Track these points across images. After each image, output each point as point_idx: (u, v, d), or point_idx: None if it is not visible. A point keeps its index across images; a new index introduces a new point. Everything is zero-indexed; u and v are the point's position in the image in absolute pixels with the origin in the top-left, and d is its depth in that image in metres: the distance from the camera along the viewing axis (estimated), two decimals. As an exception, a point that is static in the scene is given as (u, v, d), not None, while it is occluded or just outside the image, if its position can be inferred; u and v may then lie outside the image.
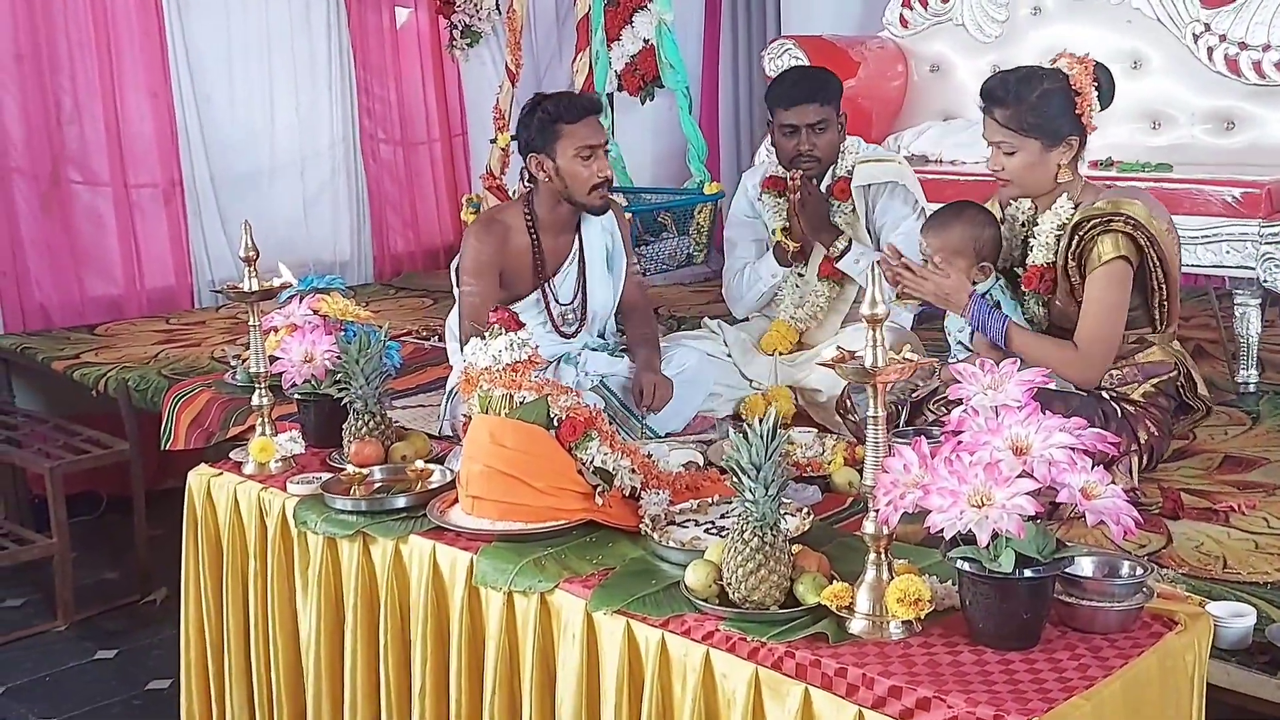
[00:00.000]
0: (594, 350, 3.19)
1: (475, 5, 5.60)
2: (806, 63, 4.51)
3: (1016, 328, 2.64)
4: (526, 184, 3.14)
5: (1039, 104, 2.61)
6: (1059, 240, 2.66)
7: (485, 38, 5.69)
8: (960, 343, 2.81)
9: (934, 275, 2.69)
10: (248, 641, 2.50)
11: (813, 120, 3.27)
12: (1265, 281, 3.46)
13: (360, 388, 2.52)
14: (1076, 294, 2.65)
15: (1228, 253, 3.50)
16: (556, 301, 3.13)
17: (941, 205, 2.89)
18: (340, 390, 2.57)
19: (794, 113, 3.28)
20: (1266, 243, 3.44)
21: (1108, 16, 4.41)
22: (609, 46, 5.44)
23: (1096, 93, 2.64)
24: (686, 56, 5.71)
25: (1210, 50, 4.17)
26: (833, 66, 4.57)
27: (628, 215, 4.90)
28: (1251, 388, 3.53)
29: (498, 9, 5.60)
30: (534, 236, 3.08)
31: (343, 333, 2.73)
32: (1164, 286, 2.64)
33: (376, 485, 2.40)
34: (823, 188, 3.37)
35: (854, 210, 3.35)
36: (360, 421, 2.53)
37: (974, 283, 2.72)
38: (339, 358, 2.58)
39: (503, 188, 4.88)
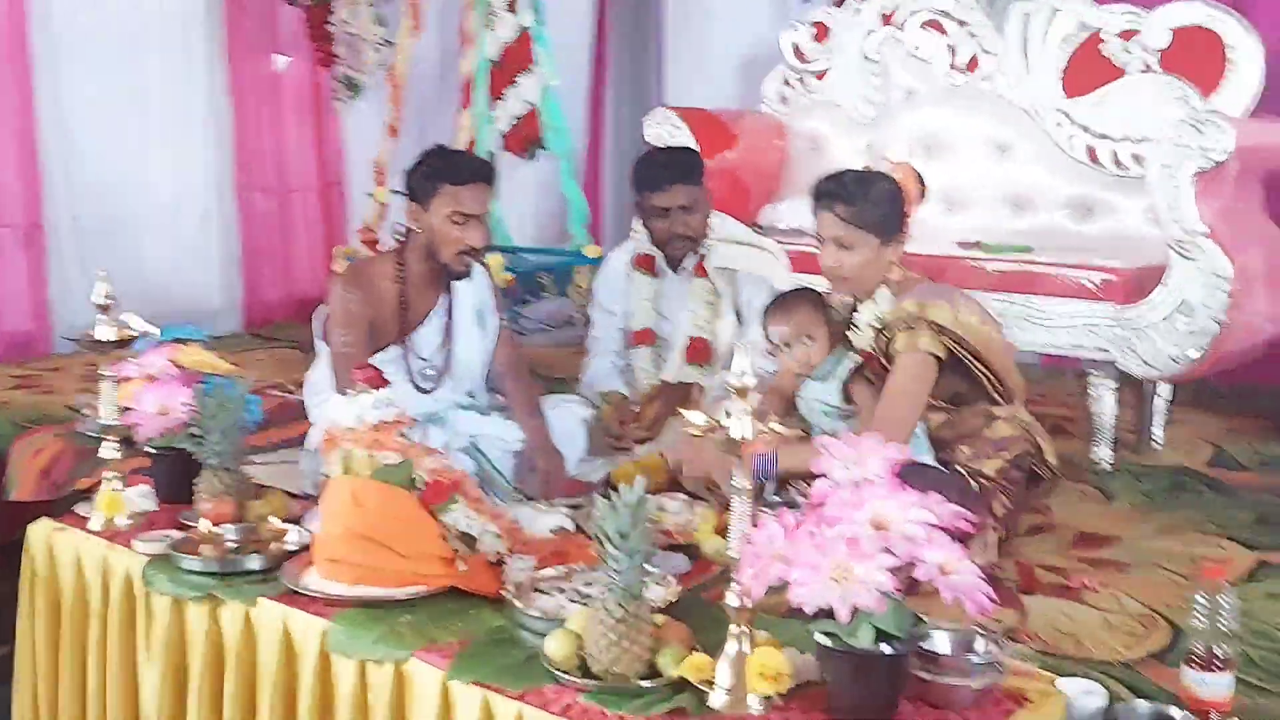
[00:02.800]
0: (464, 409, 3.15)
1: (358, 58, 5.56)
2: (687, 132, 4.57)
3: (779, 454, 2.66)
4: (400, 235, 3.10)
5: (878, 201, 2.70)
6: (873, 331, 2.73)
7: (367, 90, 5.65)
8: (824, 413, 2.83)
9: None
10: (84, 709, 2.37)
11: (683, 202, 3.31)
12: (1120, 364, 3.58)
13: (216, 443, 2.43)
14: (882, 372, 2.72)
15: (1085, 335, 3.62)
16: (417, 356, 3.08)
17: (777, 294, 2.94)
18: (195, 444, 2.48)
19: (664, 195, 3.31)
20: (1122, 327, 3.57)
21: (977, 104, 4.57)
22: (493, 105, 5.45)
23: (918, 192, 2.74)
24: (571, 120, 5.76)
25: (1072, 139, 4.34)
26: (712, 138, 4.68)
27: (507, 274, 4.89)
28: (1106, 466, 3.64)
29: (380, 63, 5.57)
30: (401, 287, 3.03)
31: (201, 385, 2.64)
32: (990, 372, 2.71)
33: (229, 545, 2.31)
34: (688, 265, 3.41)
35: (715, 290, 3.40)
36: (214, 478, 2.44)
37: (810, 362, 2.79)
38: (195, 411, 2.49)
39: (378, 242, 4.82)
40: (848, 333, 2.81)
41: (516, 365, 3.24)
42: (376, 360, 2.98)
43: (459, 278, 3.04)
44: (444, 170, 2.94)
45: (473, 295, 3.14)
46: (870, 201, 2.69)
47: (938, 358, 2.65)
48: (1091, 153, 4.29)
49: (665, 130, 4.65)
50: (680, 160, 3.40)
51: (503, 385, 3.23)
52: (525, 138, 5.55)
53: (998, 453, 2.74)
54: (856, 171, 2.81)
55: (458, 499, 2.14)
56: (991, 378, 2.72)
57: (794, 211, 4.73)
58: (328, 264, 5.66)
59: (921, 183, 2.80)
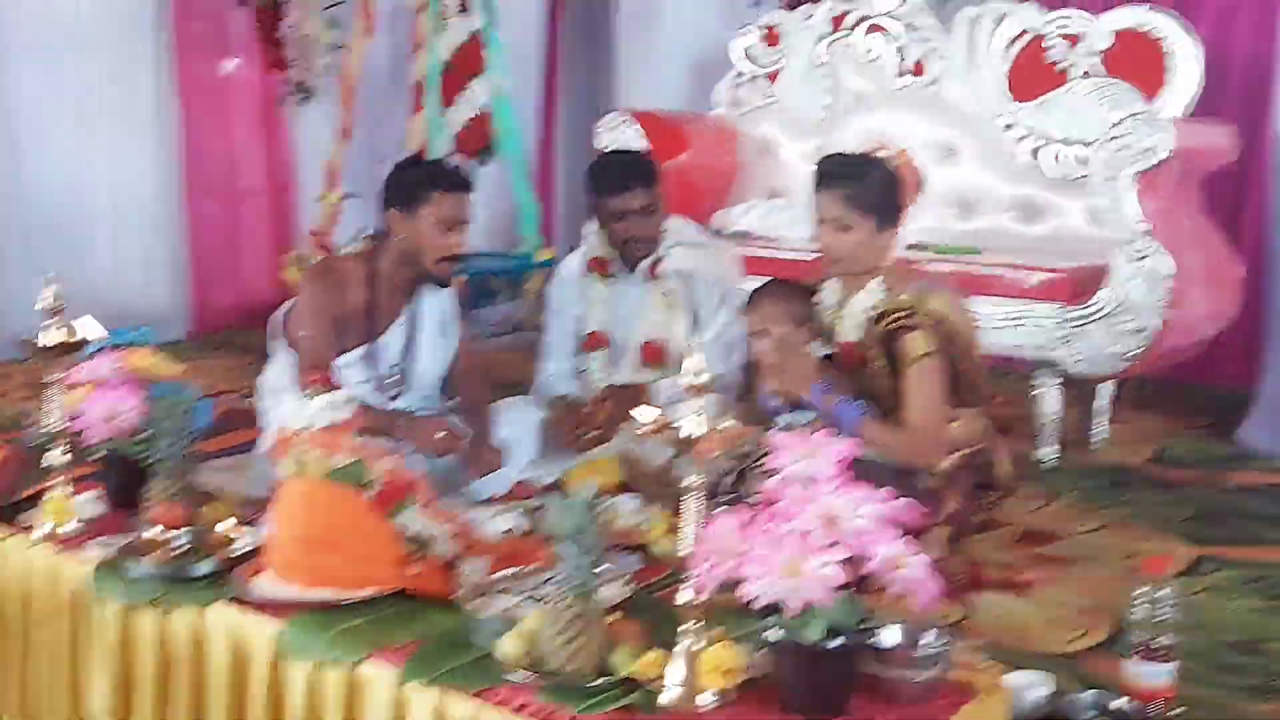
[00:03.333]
0: (422, 414, 3.14)
1: (309, 61, 5.53)
2: (640, 135, 4.59)
3: (870, 425, 2.70)
4: (368, 238, 3.10)
5: (878, 185, 2.74)
6: (867, 322, 2.75)
7: (318, 94, 5.61)
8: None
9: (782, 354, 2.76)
10: (30, 718, 2.34)
11: (641, 205, 3.32)
12: (1063, 365, 3.64)
13: (166, 447, 2.40)
14: (883, 371, 2.75)
15: (1030, 335, 3.67)
16: (381, 361, 3.09)
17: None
18: (144, 449, 2.45)
19: (622, 199, 3.32)
20: (1066, 327, 3.63)
21: (925, 107, 4.63)
22: (445, 109, 5.43)
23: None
24: (523, 123, 5.75)
25: (1018, 141, 4.40)
26: (665, 142, 4.71)
27: (460, 278, 4.88)
28: (1050, 464, 3.70)
29: (331, 66, 5.55)
30: (370, 290, 3.04)
31: (150, 390, 2.61)
32: (965, 373, 2.76)
33: (179, 550, 2.29)
34: (643, 268, 3.42)
35: (671, 292, 3.41)
36: (164, 483, 2.41)
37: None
38: (144, 415, 2.46)
39: (329, 246, 4.80)
40: (833, 325, 2.83)
41: (473, 372, 3.27)
42: (340, 362, 3.02)
43: (442, 284, 3.07)
44: (434, 177, 2.98)
45: (437, 305, 3.16)
46: (870, 184, 2.73)
47: (938, 357, 2.69)
48: (1036, 155, 4.36)
49: (619, 133, 4.67)
50: (637, 163, 3.42)
51: (455, 390, 3.23)
52: (477, 141, 5.54)
53: (952, 450, 2.79)
54: (858, 154, 2.84)
55: (411, 502, 2.14)
56: (967, 379, 2.76)
57: (746, 215, 4.76)
58: (277, 269, 5.63)
59: (917, 176, 2.84)
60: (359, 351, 3.06)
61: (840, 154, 2.84)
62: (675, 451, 1.84)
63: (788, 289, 2.86)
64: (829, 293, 2.88)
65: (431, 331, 3.16)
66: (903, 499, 1.79)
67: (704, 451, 1.79)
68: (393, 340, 3.10)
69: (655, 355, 3.43)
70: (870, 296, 2.76)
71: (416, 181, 2.97)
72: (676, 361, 3.38)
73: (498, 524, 2.54)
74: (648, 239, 3.37)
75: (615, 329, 3.51)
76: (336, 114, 5.32)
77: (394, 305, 3.09)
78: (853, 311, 2.78)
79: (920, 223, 4.53)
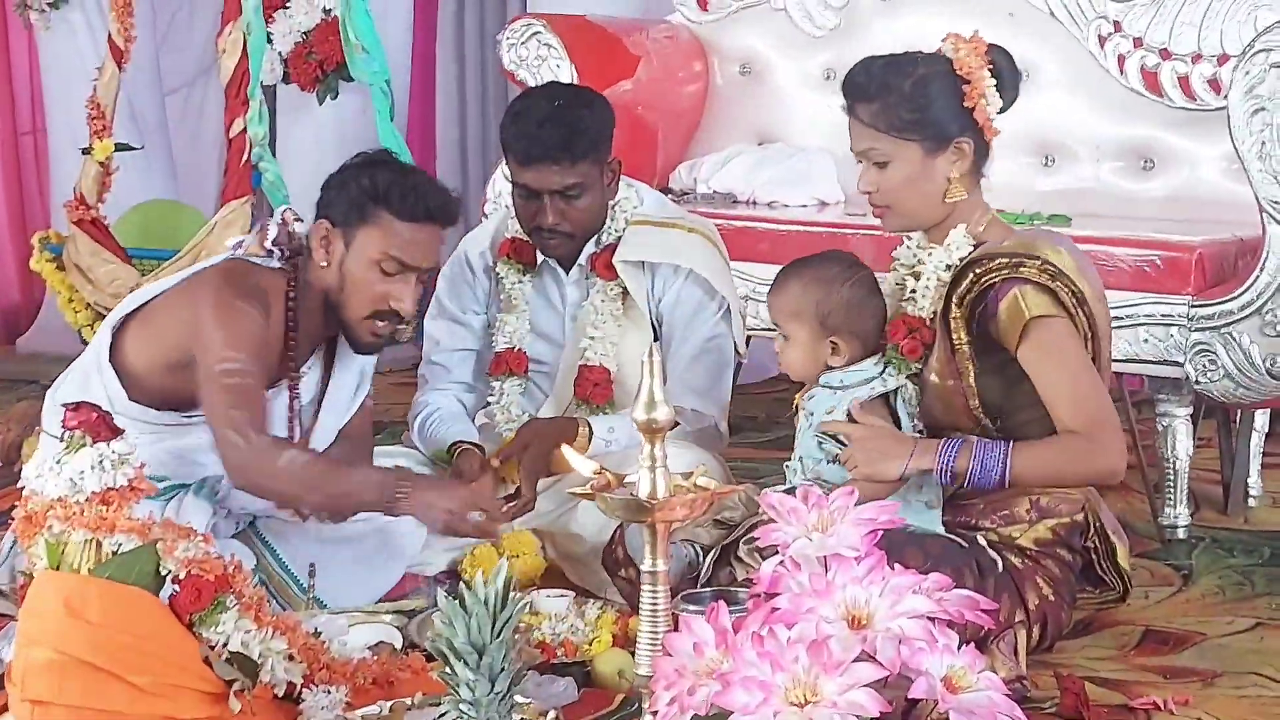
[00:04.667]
0: None
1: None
2: (562, 54, 4.60)
3: (1021, 452, 2.74)
4: (289, 242, 3.13)
5: (914, 93, 2.79)
6: (941, 286, 2.80)
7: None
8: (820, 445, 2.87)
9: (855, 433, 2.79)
10: None
11: (559, 186, 3.31)
12: (1197, 382, 3.67)
13: None
14: (959, 361, 2.78)
15: (1144, 341, 3.70)
16: (298, 399, 3.16)
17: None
18: None
19: (533, 173, 3.31)
20: (1198, 328, 3.66)
21: (982, 7, 4.64)
22: (269, 17, 5.41)
23: (995, 82, 2.83)
24: (389, 38, 5.73)
25: (1122, 59, 4.43)
26: (601, 63, 4.69)
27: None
28: (1180, 533, 3.72)
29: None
30: (291, 316, 3.09)
31: None
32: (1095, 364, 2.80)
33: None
34: (582, 259, 3.44)
35: (624, 292, 3.42)
36: None
37: (827, 366, 2.84)
38: None
39: (99, 223, 4.76)
40: (904, 303, 2.87)
41: (363, 434, 3.34)
42: None
43: (362, 350, 3.13)
44: (389, 191, 3.00)
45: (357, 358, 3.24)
46: (904, 94, 2.79)
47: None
48: (1150, 77, 4.40)
49: (531, 50, 4.66)
50: (568, 118, 3.35)
51: (332, 449, 3.25)
52: (319, 64, 5.52)
53: (1042, 519, 2.81)
54: (892, 55, 2.90)
55: (228, 603, 2.13)
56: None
57: (723, 170, 4.77)
58: (20, 253, 5.57)
59: (1010, 68, 2.88)
60: (272, 391, 3.10)
61: (864, 60, 2.91)
62: (625, 521, 1.85)
63: (804, 272, 2.89)
64: (907, 255, 2.95)
65: (348, 384, 3.25)
66: (963, 588, 1.80)
67: (668, 520, 1.80)
68: (309, 377, 3.18)
69: (597, 386, 3.42)
70: (952, 250, 2.83)
71: (363, 192, 3.00)
72: (630, 393, 3.38)
73: (361, 635, 2.54)
74: (565, 234, 3.36)
75: (537, 346, 3.51)
76: (106, 26, 5.28)
77: (311, 341, 3.16)
78: (928, 270, 2.85)
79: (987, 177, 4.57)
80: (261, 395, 2.94)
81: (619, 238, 3.43)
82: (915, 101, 2.79)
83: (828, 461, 2.86)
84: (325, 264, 3.02)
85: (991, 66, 2.84)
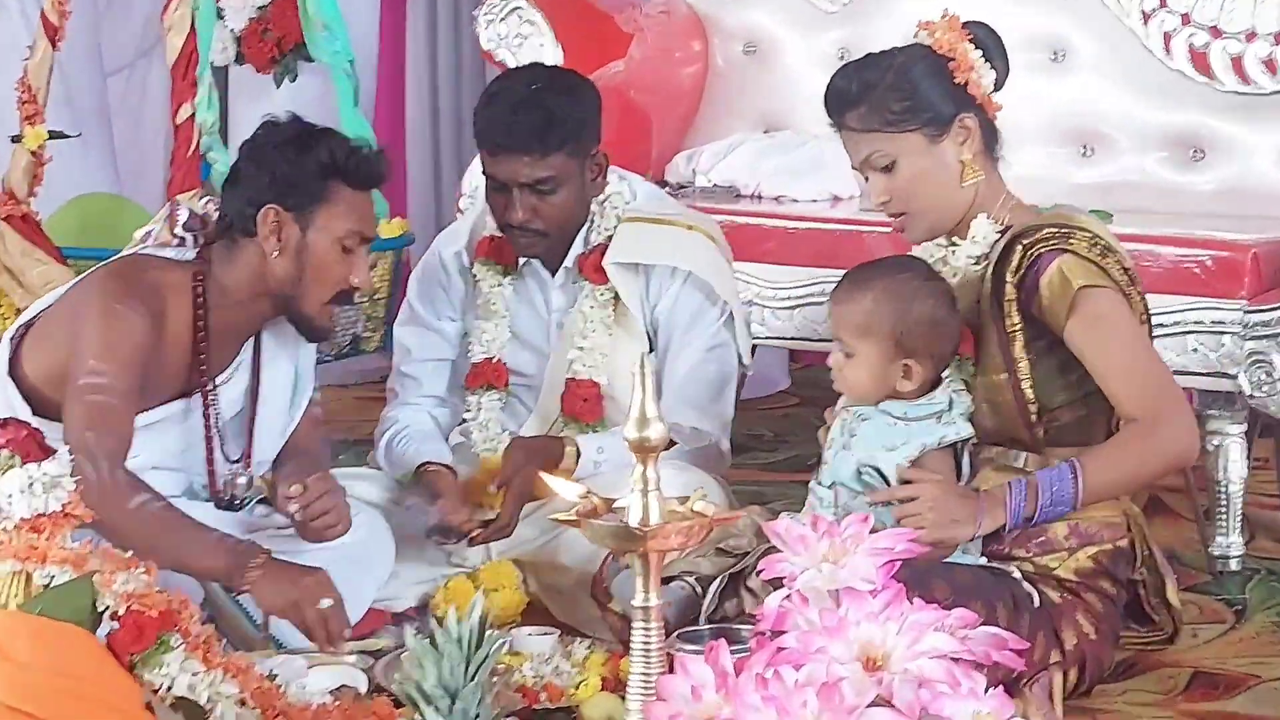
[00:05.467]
0: (192, 498, 3.18)
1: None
2: (545, 31, 4.60)
3: (1087, 464, 2.76)
4: (197, 232, 3.14)
5: (899, 81, 2.85)
6: (982, 272, 2.83)
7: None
8: (866, 479, 2.86)
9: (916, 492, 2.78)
10: None
11: (528, 179, 3.31)
12: (1252, 396, 3.67)
13: None
14: (1012, 350, 2.81)
15: (1193, 350, 3.70)
16: (216, 413, 3.16)
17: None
18: None
19: (501, 164, 3.32)
20: (1253, 336, 3.66)
21: (1014, -21, 4.66)
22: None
23: (980, 53, 2.88)
24: (354, 14, 5.74)
25: (1167, 38, 4.44)
26: (591, 40, 4.69)
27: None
28: (1233, 564, 3.72)
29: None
30: (201, 319, 3.09)
31: None
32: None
33: None
34: (569, 260, 3.44)
35: (615, 297, 3.41)
36: None
37: (896, 388, 2.83)
38: None
39: (30, 219, 4.76)
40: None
41: (313, 446, 3.33)
42: (150, 419, 3.04)
43: (316, 335, 3.16)
44: (343, 162, 3.04)
45: (289, 349, 3.23)
46: (887, 85, 2.84)
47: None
48: (1199, 58, 4.40)
49: (511, 29, 4.67)
50: (543, 104, 3.35)
51: (282, 469, 3.26)
52: (276, 43, 5.52)
53: (1082, 545, 2.82)
54: (863, 57, 2.97)
55: (173, 642, 2.13)
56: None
57: (726, 160, 4.77)
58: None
59: (993, 39, 2.93)
60: (175, 406, 3.11)
61: (839, 69, 2.98)
62: (614, 551, 1.85)
63: (877, 281, 2.88)
64: (926, 254, 2.98)
65: (281, 386, 3.24)
66: (994, 625, 1.80)
67: (662, 549, 1.80)
68: (230, 389, 3.18)
69: (586, 402, 3.42)
70: (979, 241, 2.87)
71: (319, 167, 3.03)
72: (622, 409, 3.38)
73: (321, 678, 2.53)
74: (537, 232, 3.35)
75: (522, 356, 3.51)
76: (37, 2, 5.28)
77: (228, 345, 3.16)
78: (957, 265, 2.89)
79: (1015, 169, 4.56)
80: (125, 418, 2.90)
81: (610, 237, 3.43)
82: (902, 89, 2.84)
83: (871, 504, 2.79)
84: (277, 253, 3.03)
85: (973, 39, 2.89)
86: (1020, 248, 2.79)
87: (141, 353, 2.98)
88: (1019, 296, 2.80)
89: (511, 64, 4.50)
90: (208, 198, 3.18)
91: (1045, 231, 2.79)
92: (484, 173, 3.39)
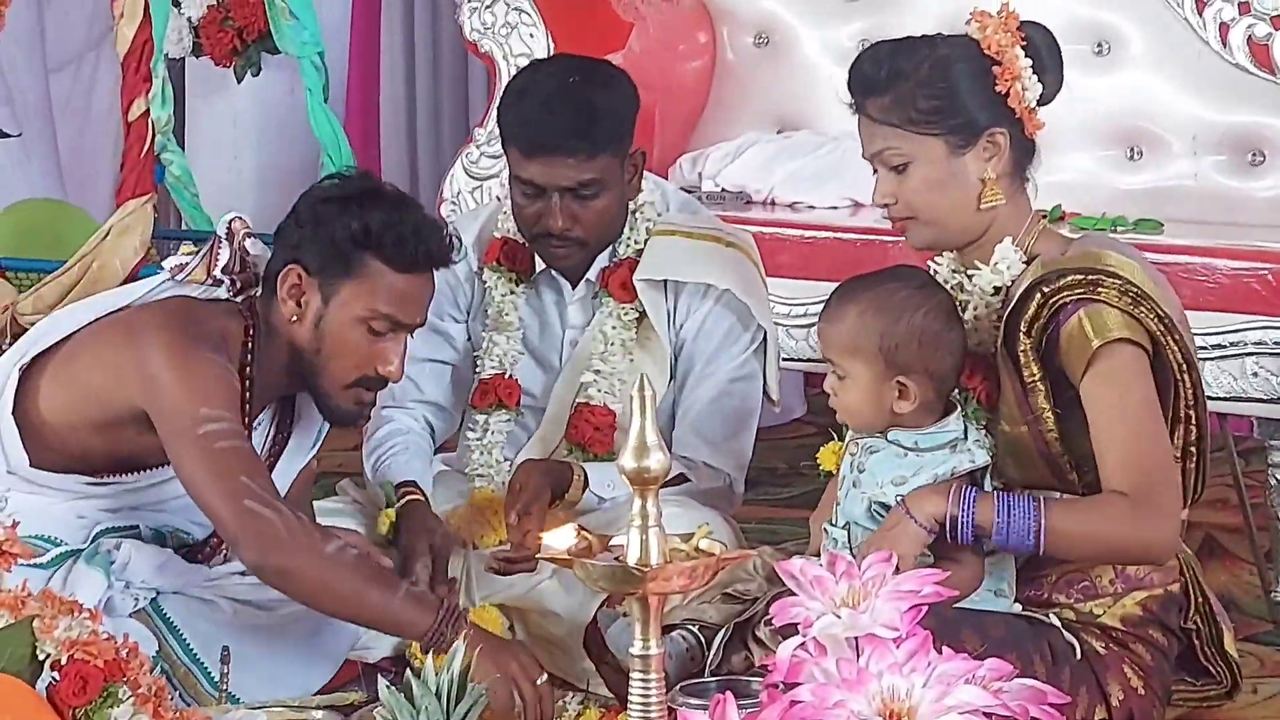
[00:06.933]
0: (145, 539, 3.18)
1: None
2: (536, 20, 4.60)
3: (1051, 506, 2.72)
4: (233, 275, 3.13)
5: (933, 77, 2.81)
6: (997, 314, 2.82)
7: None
8: (874, 513, 2.85)
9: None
10: None
11: (572, 182, 3.31)
12: (1317, 426, 3.68)
13: None
14: (1032, 401, 2.78)
15: (1253, 374, 3.71)
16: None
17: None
18: None
19: (540, 166, 3.31)
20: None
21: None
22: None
23: (1030, 62, 2.83)
24: (324, 2, 5.75)
25: (1224, 29, 4.45)
26: (586, 30, 4.70)
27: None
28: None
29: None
30: (249, 361, 3.11)
31: None
32: (1193, 411, 2.81)
33: None
34: (592, 273, 3.45)
35: (641, 316, 3.41)
36: None
37: (894, 410, 2.81)
38: None
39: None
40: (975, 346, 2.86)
41: (301, 498, 3.34)
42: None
43: (339, 421, 3.16)
44: (383, 236, 2.99)
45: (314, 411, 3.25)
46: (919, 81, 2.80)
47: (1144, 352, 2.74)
48: (1260, 50, 4.41)
49: (497, 18, 4.68)
50: (587, 95, 3.38)
51: None
52: (238, 33, 5.53)
53: (1129, 592, 2.82)
54: (903, 38, 2.91)
55: (120, 695, 2.13)
56: (1191, 428, 2.82)
57: (734, 162, 4.78)
58: None
59: (1051, 47, 2.88)
60: None
61: (871, 46, 2.94)
62: (610, 594, 1.85)
63: (885, 284, 2.86)
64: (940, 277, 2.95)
65: (305, 443, 3.30)
66: (1031, 678, 1.80)
67: (663, 592, 1.80)
68: (259, 431, 3.20)
69: (598, 431, 3.41)
70: (1002, 271, 2.83)
71: (349, 235, 2.99)
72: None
73: (286, 735, 2.54)
74: (576, 241, 3.35)
75: (529, 372, 3.52)
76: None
77: (269, 392, 3.19)
78: (974, 298, 2.86)
79: (1057, 174, 4.55)
80: (259, 459, 2.99)
81: (639, 251, 3.43)
82: (934, 87, 2.80)
83: None
84: (296, 319, 3.03)
85: (1026, 44, 2.83)
86: (1040, 295, 2.75)
87: (237, 397, 3.02)
88: (1041, 347, 2.78)
89: (498, 56, 4.52)
90: (248, 235, 3.14)
91: (1070, 279, 2.74)
92: (515, 177, 3.37)
